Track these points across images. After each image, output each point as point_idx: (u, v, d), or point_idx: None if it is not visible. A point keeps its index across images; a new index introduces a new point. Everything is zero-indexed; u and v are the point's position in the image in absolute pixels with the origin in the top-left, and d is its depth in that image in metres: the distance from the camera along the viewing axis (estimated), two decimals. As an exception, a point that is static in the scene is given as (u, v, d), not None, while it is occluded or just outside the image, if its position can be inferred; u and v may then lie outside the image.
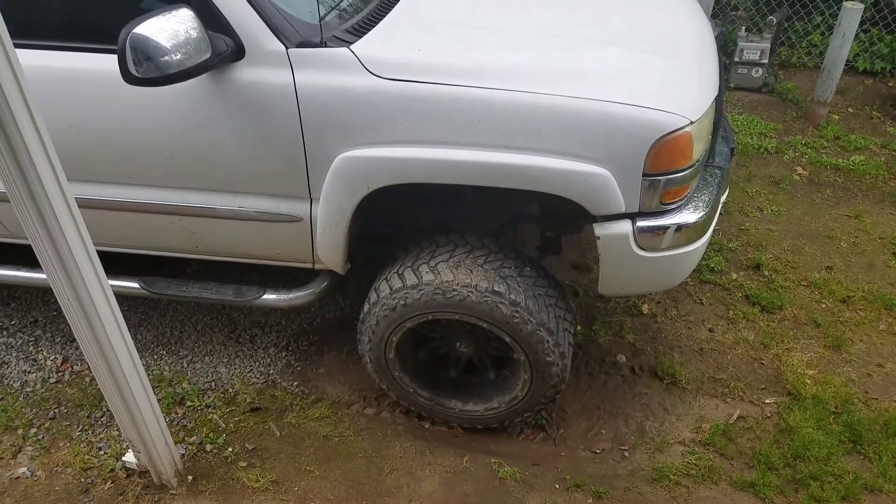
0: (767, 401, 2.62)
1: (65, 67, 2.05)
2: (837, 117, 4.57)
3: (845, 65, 4.34)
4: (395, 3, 2.17)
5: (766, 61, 4.72)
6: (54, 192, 1.64)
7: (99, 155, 2.15)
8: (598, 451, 2.48)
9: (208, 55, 1.82)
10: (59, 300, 1.84)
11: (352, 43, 1.95)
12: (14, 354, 2.87)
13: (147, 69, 1.75)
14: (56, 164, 1.63)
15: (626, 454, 2.46)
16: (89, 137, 2.11)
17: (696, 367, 2.76)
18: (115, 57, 1.73)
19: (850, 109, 4.68)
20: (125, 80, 1.76)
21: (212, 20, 1.86)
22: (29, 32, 2.03)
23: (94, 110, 2.07)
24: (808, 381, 2.67)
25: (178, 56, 1.76)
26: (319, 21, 1.95)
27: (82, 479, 2.38)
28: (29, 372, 2.80)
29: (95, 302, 1.83)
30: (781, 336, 2.88)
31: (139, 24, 1.71)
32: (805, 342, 2.86)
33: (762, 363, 2.78)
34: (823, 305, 3.04)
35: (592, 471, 2.40)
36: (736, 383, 2.69)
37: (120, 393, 2.03)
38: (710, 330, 2.94)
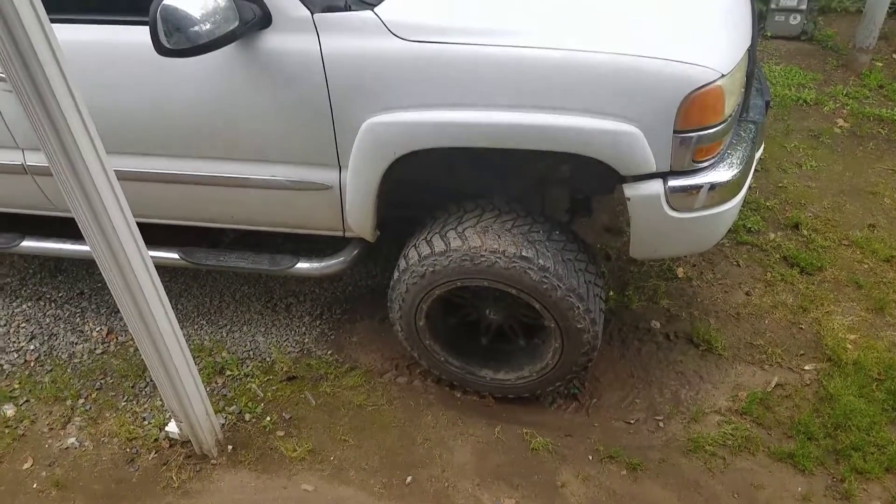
0: (807, 367, 2.56)
1: (100, 41, 2.08)
2: (881, 64, 4.35)
3: (889, 7, 4.12)
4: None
5: (804, 7, 4.51)
6: (94, 165, 1.68)
7: (134, 127, 2.19)
8: (631, 422, 2.46)
9: (236, 24, 1.84)
10: (101, 271, 1.90)
11: (376, 5, 1.93)
12: (62, 326, 2.97)
13: (178, 40, 1.77)
14: (95, 137, 1.67)
15: (661, 424, 2.44)
16: (125, 110, 2.15)
17: (733, 333, 2.71)
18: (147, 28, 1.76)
19: (894, 56, 4.46)
20: (157, 52, 1.78)
21: (239, -12, 1.87)
22: (64, 7, 2.05)
23: (128, 83, 2.11)
24: (850, 346, 2.60)
25: (208, 26, 1.78)
26: (343, -15, 1.94)
27: (128, 450, 2.46)
28: (76, 343, 2.90)
29: (137, 273, 1.87)
30: (821, 299, 2.81)
31: (170, -6, 1.73)
32: (846, 305, 2.78)
33: (801, 328, 2.71)
34: (866, 266, 2.94)
35: (626, 441, 2.38)
36: (774, 349, 2.63)
37: (162, 363, 2.09)
38: (746, 293, 2.87)
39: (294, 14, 1.92)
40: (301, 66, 1.96)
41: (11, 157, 2.42)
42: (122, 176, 1.89)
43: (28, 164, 2.42)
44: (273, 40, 1.95)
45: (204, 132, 2.16)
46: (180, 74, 2.03)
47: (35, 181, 2.47)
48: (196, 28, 1.76)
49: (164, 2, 1.73)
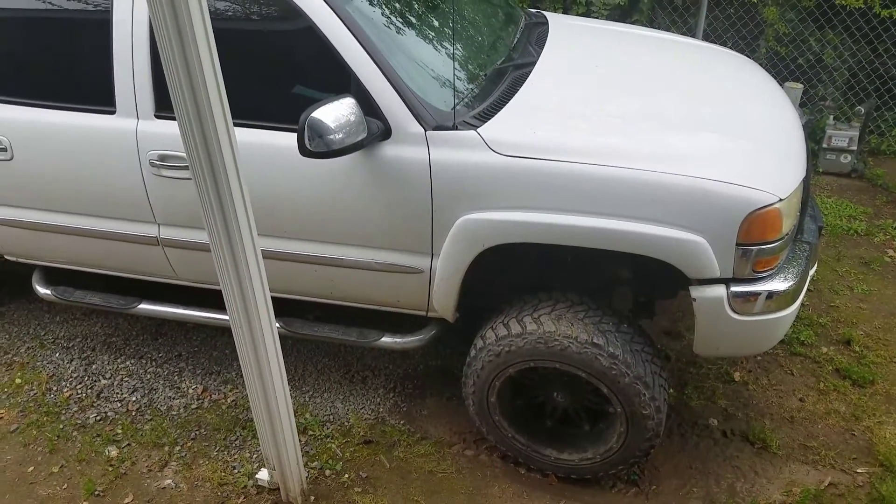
0: (859, 470, 2.66)
1: (252, 142, 2.45)
2: (930, 203, 4.59)
3: (939, 152, 4.39)
4: (513, 95, 2.54)
5: (854, 148, 4.82)
6: (248, 244, 2.04)
7: (269, 213, 2.54)
8: (688, 509, 2.59)
9: (364, 135, 2.24)
10: (233, 329, 2.21)
11: (478, 127, 2.33)
12: (161, 382, 3.28)
13: (317, 145, 2.17)
14: (252, 220, 2.04)
15: (717, 513, 2.56)
16: (265, 198, 2.50)
17: (787, 434, 2.84)
18: (289, 134, 2.19)
19: (943, 196, 4.69)
20: (300, 153, 2.18)
21: (368, 107, 2.28)
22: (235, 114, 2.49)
23: (272, 176, 2.50)
24: (902, 455, 2.70)
25: (341, 135, 2.19)
26: (453, 109, 2.35)
27: (219, 493, 2.70)
28: (174, 398, 3.20)
29: (265, 336, 2.20)
30: (873, 410, 2.93)
31: (316, 109, 2.15)
32: (898, 417, 2.90)
33: (853, 434, 2.83)
34: (918, 383, 3.07)
35: (683, 527, 2.51)
36: (827, 451, 2.75)
37: (269, 412, 2.36)
38: (800, 400, 3.02)
39: (410, 130, 2.33)
40: (412, 172, 2.34)
41: (147, 230, 2.84)
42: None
43: (161, 237, 2.83)
44: (391, 150, 2.35)
45: (324, 219, 2.53)
46: (314, 172, 2.42)
47: (164, 252, 2.88)
48: (332, 136, 2.17)
49: (311, 114, 2.15)
